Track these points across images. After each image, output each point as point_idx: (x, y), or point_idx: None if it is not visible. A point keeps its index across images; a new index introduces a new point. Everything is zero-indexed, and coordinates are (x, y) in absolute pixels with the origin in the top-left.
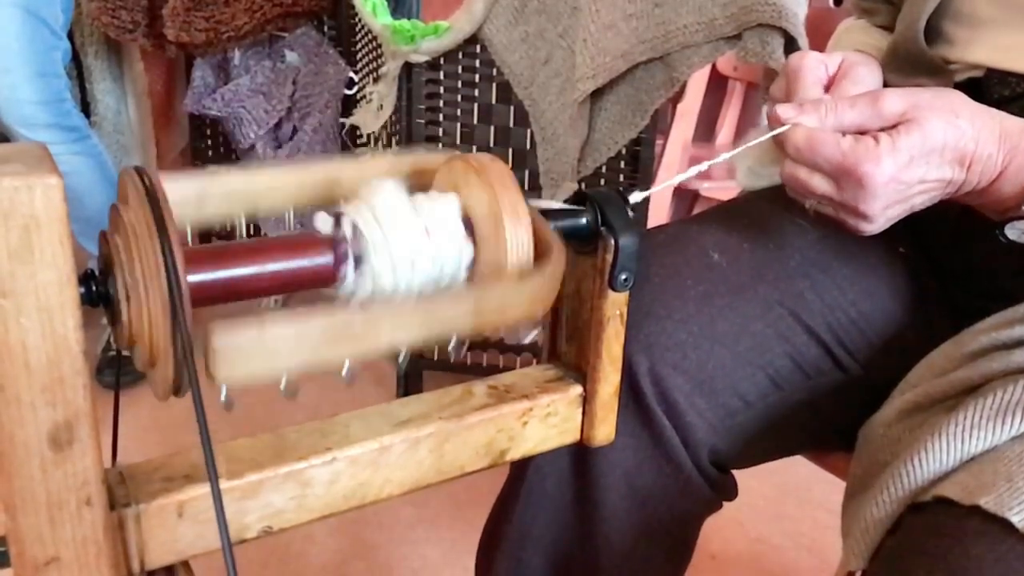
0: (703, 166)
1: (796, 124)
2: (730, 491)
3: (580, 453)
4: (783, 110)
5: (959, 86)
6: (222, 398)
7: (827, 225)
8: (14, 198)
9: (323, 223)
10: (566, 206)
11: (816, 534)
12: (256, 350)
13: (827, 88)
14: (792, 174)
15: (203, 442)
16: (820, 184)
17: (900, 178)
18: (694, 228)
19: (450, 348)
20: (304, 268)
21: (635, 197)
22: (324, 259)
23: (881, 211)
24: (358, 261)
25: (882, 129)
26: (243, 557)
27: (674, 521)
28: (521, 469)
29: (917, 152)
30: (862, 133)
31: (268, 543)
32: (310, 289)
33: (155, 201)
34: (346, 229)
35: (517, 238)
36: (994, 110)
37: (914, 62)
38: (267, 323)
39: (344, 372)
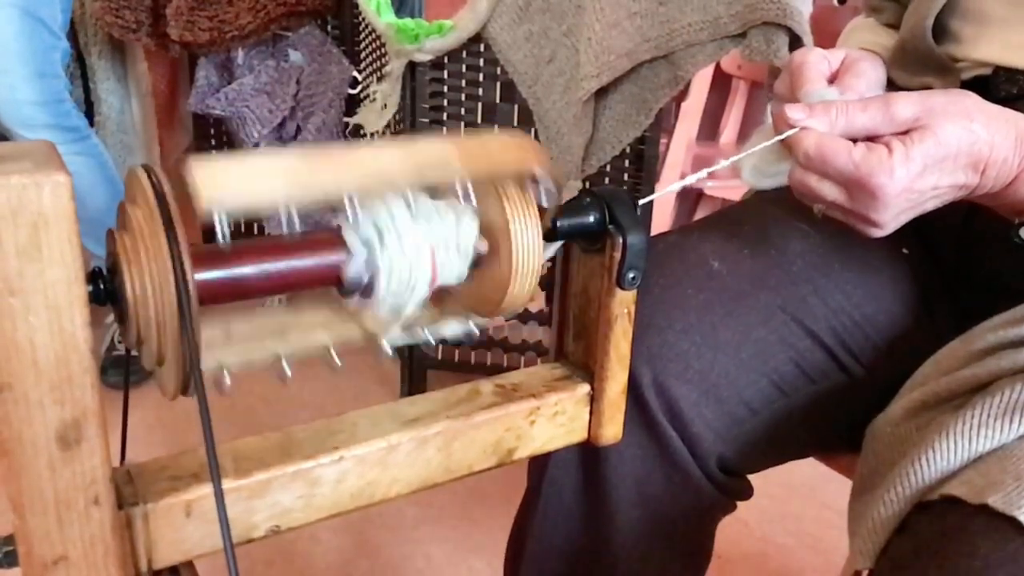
0: (703, 173)
1: (806, 128)
2: (744, 492)
3: (591, 465)
4: (792, 111)
5: (966, 84)
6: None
7: (829, 228)
8: (23, 196)
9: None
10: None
11: (821, 533)
12: (236, 173)
13: (831, 83)
14: (802, 180)
15: (206, 440)
16: (830, 192)
17: (913, 187)
18: (694, 236)
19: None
20: (311, 267)
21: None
22: (331, 258)
23: (892, 218)
24: (367, 292)
25: (894, 134)
26: (248, 556)
27: (688, 527)
28: (537, 483)
29: (931, 160)
30: (873, 138)
31: (273, 542)
32: (317, 288)
33: (163, 200)
34: (362, 267)
35: (527, 244)
36: (1010, 112)
37: (921, 60)
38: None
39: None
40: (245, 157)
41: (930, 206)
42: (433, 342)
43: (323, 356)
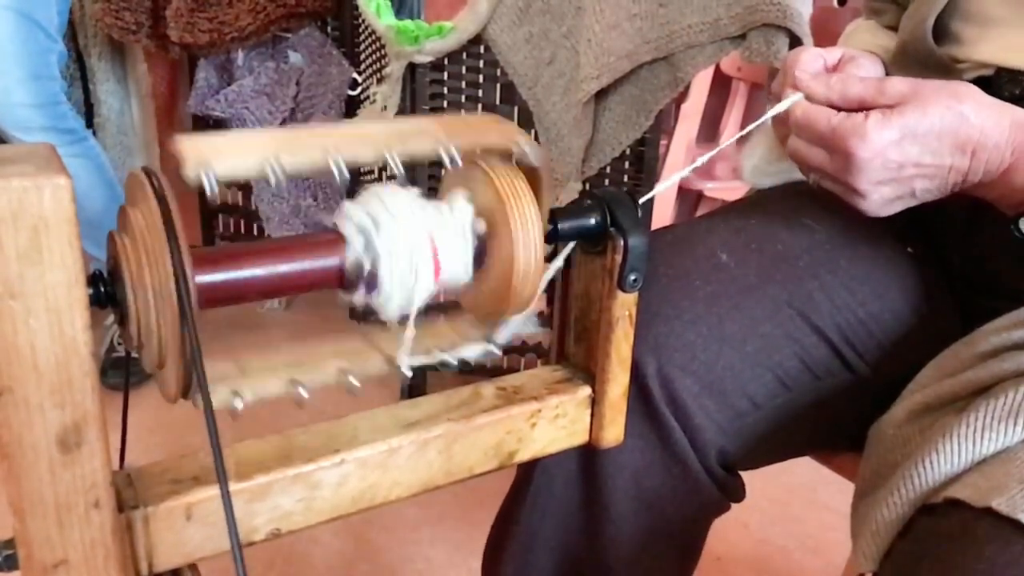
0: (707, 157)
1: (805, 89)
2: (738, 492)
3: (588, 455)
4: (799, 72)
5: None
6: None
7: (835, 225)
8: (23, 199)
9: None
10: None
11: (822, 535)
12: (222, 141)
13: None
14: (793, 146)
15: (212, 444)
16: (816, 156)
17: (887, 155)
18: (702, 228)
19: None
20: (311, 269)
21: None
22: (331, 261)
23: (872, 187)
24: (370, 287)
25: (883, 107)
26: (248, 559)
27: (682, 522)
28: (528, 471)
29: (909, 132)
30: (865, 109)
31: (273, 545)
32: (317, 290)
33: (164, 202)
34: (362, 256)
35: (528, 241)
36: (1007, 104)
37: (922, 61)
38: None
39: None
40: (232, 132)
41: (919, 186)
42: (456, 364)
43: (341, 382)
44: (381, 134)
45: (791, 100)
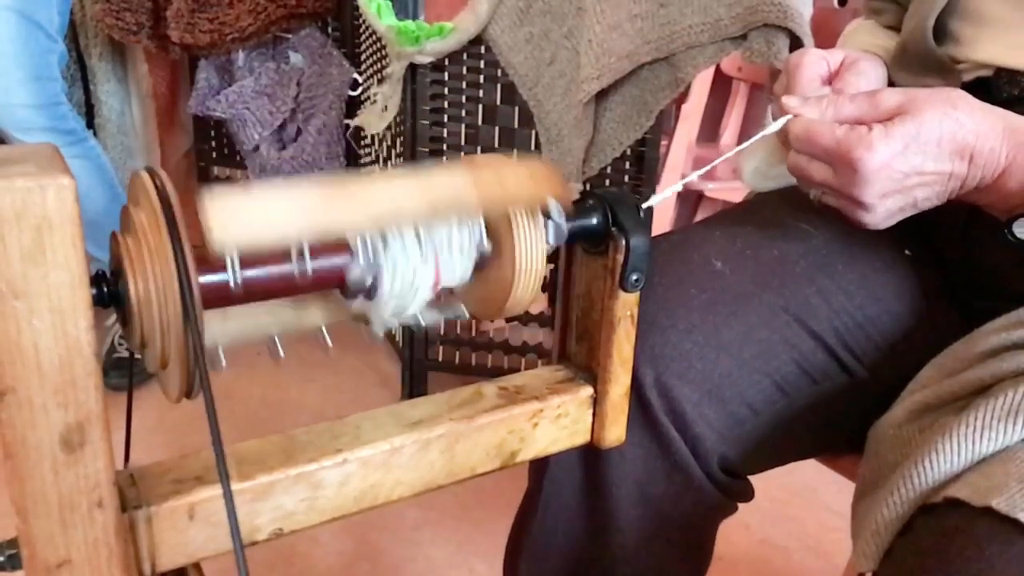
0: (709, 167)
1: (797, 116)
2: (745, 494)
3: (592, 464)
4: (788, 100)
5: (967, 85)
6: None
7: (831, 229)
8: (27, 199)
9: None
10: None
11: (822, 536)
12: (250, 209)
13: (829, 83)
14: (794, 163)
15: (214, 444)
16: (819, 171)
17: (893, 165)
18: (697, 236)
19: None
20: (315, 269)
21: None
22: (334, 261)
23: (878, 199)
24: (368, 296)
25: (879, 121)
26: (249, 559)
27: (688, 527)
28: (538, 480)
29: (911, 140)
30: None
31: (273, 545)
32: (322, 290)
33: (167, 202)
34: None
35: (531, 248)
36: (998, 108)
37: (922, 61)
38: (259, 188)
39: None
40: (259, 192)
41: (920, 195)
42: (423, 323)
43: (315, 335)
44: (413, 202)
45: (783, 120)
